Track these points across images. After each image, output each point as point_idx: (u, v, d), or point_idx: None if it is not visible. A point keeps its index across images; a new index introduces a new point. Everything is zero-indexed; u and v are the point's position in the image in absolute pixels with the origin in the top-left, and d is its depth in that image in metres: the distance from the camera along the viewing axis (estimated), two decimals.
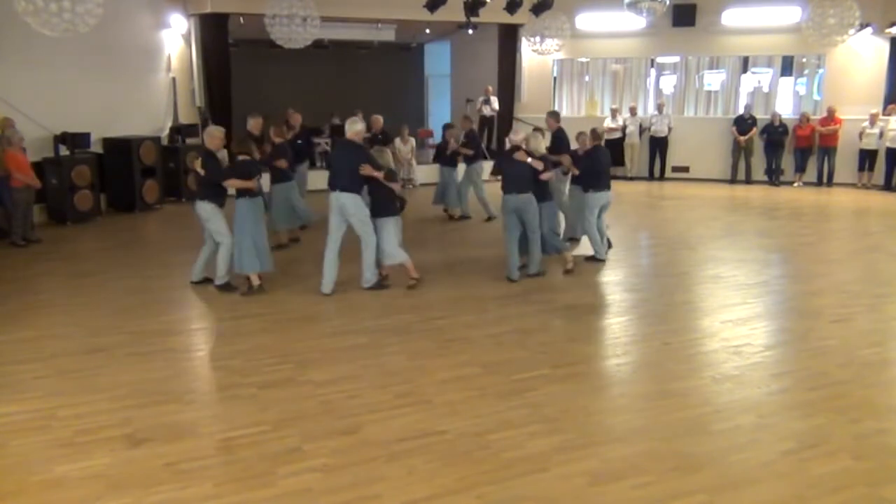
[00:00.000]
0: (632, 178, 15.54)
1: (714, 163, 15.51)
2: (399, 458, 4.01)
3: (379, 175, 7.05)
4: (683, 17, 15.09)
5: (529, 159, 7.47)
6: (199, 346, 6.04)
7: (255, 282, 7.15)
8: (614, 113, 15.76)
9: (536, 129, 9.03)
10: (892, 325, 6.57)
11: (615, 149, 14.44)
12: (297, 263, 8.37)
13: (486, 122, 16.11)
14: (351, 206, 7.00)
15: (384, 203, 7.19)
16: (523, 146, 7.64)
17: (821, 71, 15.74)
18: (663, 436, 4.28)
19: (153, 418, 4.50)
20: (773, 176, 15.11)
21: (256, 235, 7.00)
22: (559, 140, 9.28)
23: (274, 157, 8.72)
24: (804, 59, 16.38)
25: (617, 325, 6.50)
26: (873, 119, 14.15)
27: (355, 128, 7.22)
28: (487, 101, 15.87)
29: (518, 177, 7.52)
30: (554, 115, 9.66)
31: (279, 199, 8.87)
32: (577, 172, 8.41)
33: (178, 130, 12.84)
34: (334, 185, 7.04)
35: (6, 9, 7.77)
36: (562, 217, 9.03)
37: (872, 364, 5.48)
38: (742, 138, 15.05)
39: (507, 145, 9.04)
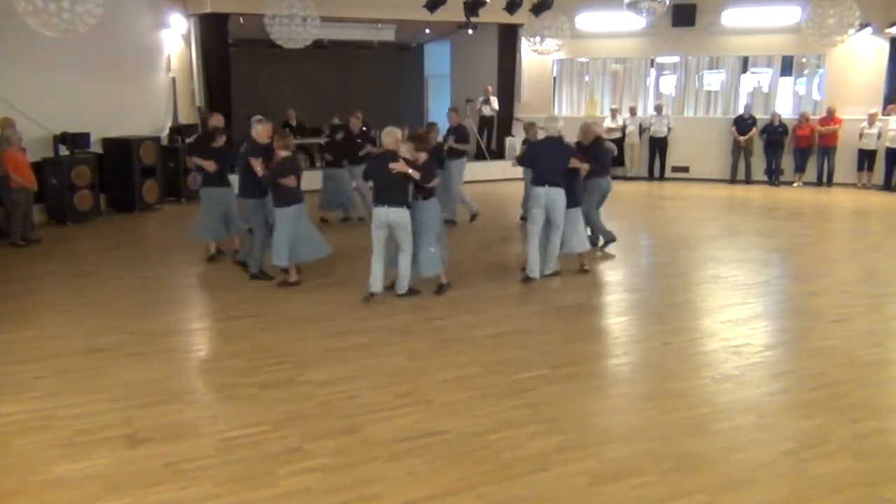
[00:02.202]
0: (631, 178, 15.54)
1: (714, 163, 15.50)
2: (399, 458, 4.01)
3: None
4: (683, 17, 15.09)
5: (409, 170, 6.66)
6: (199, 346, 6.04)
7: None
8: (614, 113, 15.75)
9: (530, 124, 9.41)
10: (892, 325, 6.58)
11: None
12: None
13: (485, 122, 16.11)
14: (560, 202, 7.42)
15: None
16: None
17: (820, 71, 15.74)
18: (663, 436, 4.29)
19: (153, 418, 4.50)
20: (773, 176, 15.10)
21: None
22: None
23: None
24: (804, 59, 16.37)
25: (617, 325, 6.51)
26: (872, 119, 14.15)
27: (557, 125, 7.56)
28: (487, 101, 15.86)
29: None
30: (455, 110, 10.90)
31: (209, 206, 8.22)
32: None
33: (177, 130, 12.82)
34: (543, 181, 7.43)
35: (6, 9, 7.78)
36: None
37: (872, 364, 5.48)
38: (742, 138, 15.05)
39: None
